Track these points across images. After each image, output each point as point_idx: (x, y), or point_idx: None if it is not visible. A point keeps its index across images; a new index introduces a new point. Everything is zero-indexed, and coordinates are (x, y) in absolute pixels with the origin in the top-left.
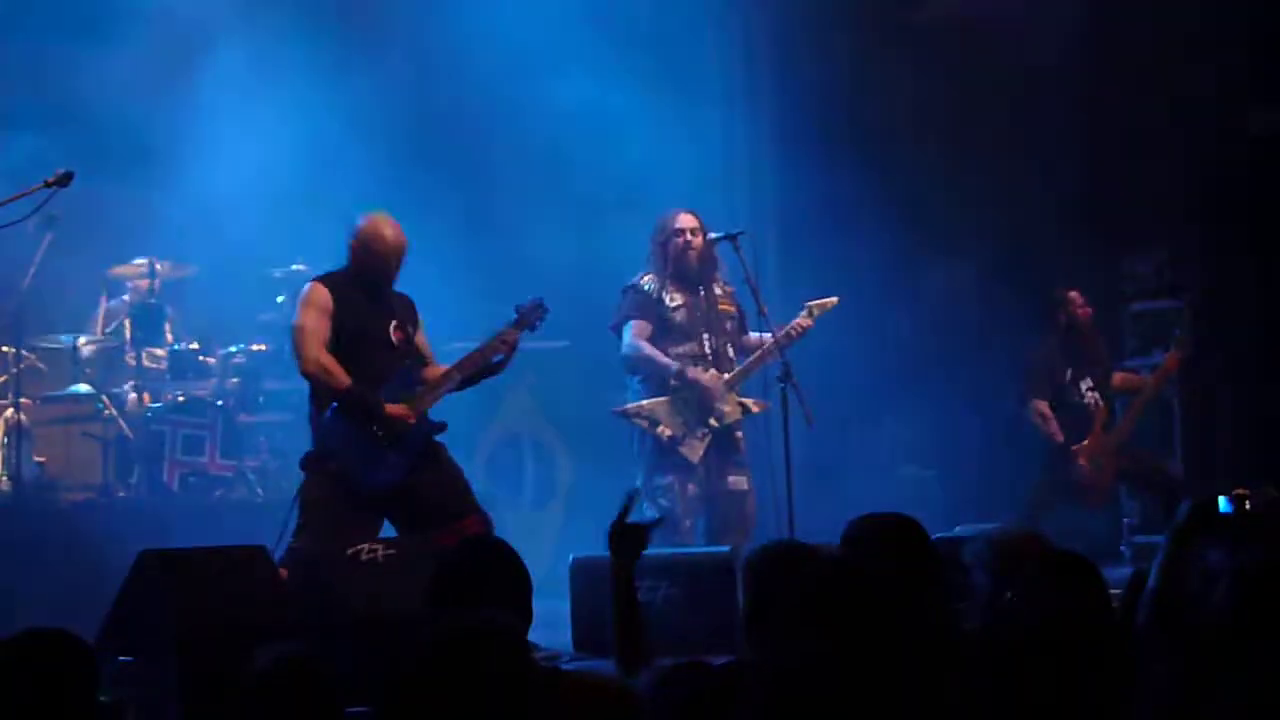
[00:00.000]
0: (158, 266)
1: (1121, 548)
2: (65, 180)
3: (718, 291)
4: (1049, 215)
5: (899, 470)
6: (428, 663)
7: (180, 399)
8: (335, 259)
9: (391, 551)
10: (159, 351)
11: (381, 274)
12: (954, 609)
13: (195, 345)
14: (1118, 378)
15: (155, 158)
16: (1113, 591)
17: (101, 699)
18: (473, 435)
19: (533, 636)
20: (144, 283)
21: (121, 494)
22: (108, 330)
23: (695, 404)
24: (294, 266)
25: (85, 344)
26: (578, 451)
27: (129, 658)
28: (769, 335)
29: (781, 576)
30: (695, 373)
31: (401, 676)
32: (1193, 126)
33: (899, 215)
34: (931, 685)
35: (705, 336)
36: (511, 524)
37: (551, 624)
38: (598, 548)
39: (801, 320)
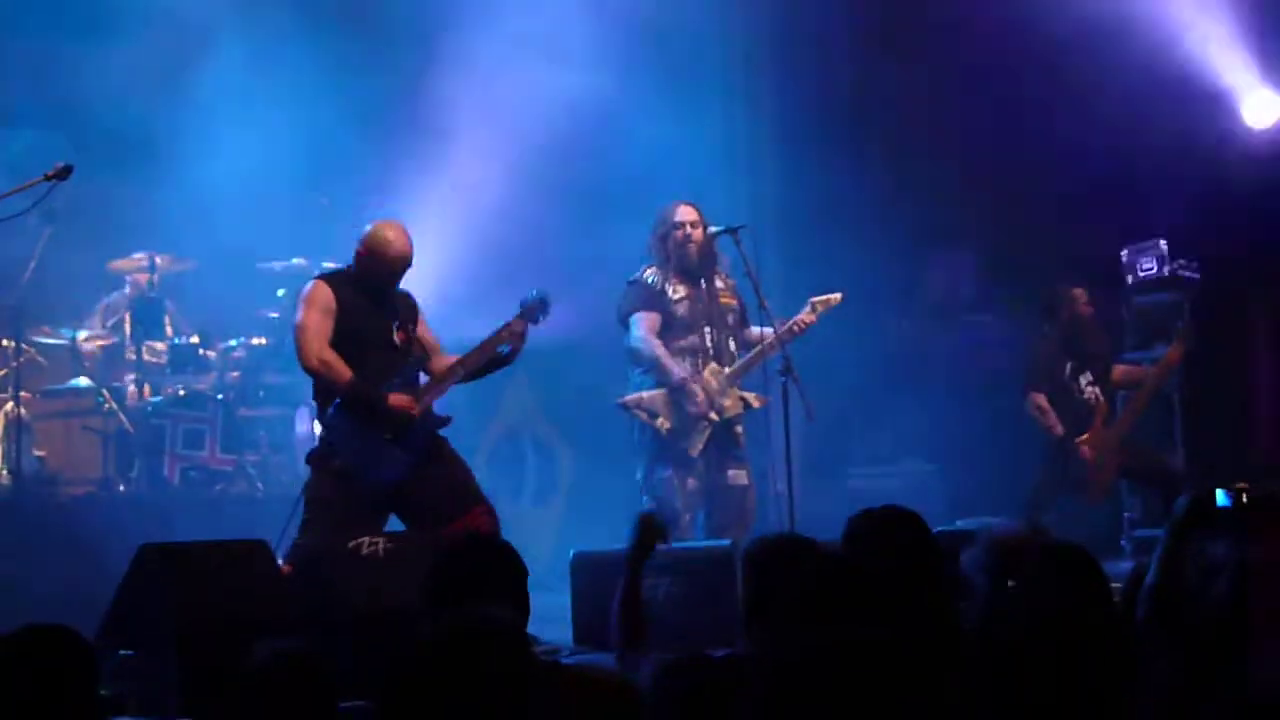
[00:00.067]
0: (158, 260)
1: (1122, 542)
2: (65, 174)
3: (719, 285)
4: (1050, 209)
5: (900, 464)
6: (428, 658)
7: (180, 393)
8: (336, 253)
9: (392, 545)
10: (159, 345)
11: (385, 280)
12: (955, 604)
13: (195, 339)
14: (1118, 371)
15: (155, 152)
16: (1113, 585)
17: (102, 693)
18: (474, 431)
19: (533, 631)
20: (144, 277)
21: (122, 488)
22: (108, 324)
23: (696, 401)
24: (294, 261)
25: (85, 338)
26: (578, 447)
27: (129, 652)
28: (770, 329)
29: (781, 570)
30: (693, 388)
31: (402, 672)
32: (1194, 120)
33: (900, 209)
34: (932, 680)
35: (707, 330)
36: (512, 519)
37: (552, 619)
38: (598, 543)
39: (804, 316)
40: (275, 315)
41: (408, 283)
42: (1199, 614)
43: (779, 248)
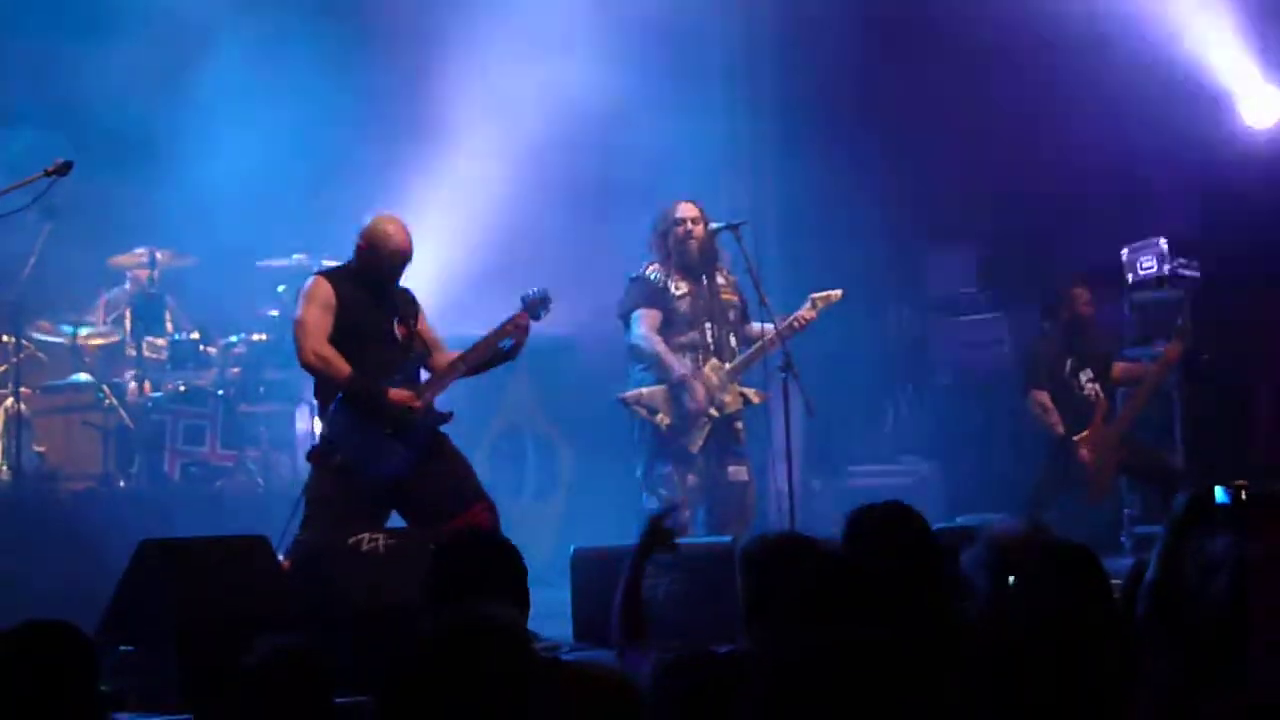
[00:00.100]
0: (158, 256)
1: (1122, 539)
2: (64, 170)
3: (720, 281)
4: (1051, 206)
5: (900, 461)
6: (428, 654)
7: (181, 389)
8: (336, 249)
9: (392, 541)
10: (159, 341)
11: (385, 274)
12: (955, 603)
13: (195, 335)
14: (1118, 369)
15: (156, 149)
16: (1114, 583)
17: (102, 689)
18: (474, 427)
19: (533, 627)
20: (144, 273)
21: (122, 484)
22: (108, 320)
23: (697, 397)
24: (294, 257)
25: (86, 334)
26: (579, 443)
27: (129, 648)
28: (770, 325)
29: (780, 569)
30: (693, 384)
31: (402, 668)
32: (1195, 117)
33: (901, 206)
34: (933, 679)
35: (708, 326)
36: (513, 515)
37: (552, 614)
38: (599, 539)
39: (805, 312)
40: (275, 312)
41: (409, 279)
42: (1199, 612)
43: (780, 244)
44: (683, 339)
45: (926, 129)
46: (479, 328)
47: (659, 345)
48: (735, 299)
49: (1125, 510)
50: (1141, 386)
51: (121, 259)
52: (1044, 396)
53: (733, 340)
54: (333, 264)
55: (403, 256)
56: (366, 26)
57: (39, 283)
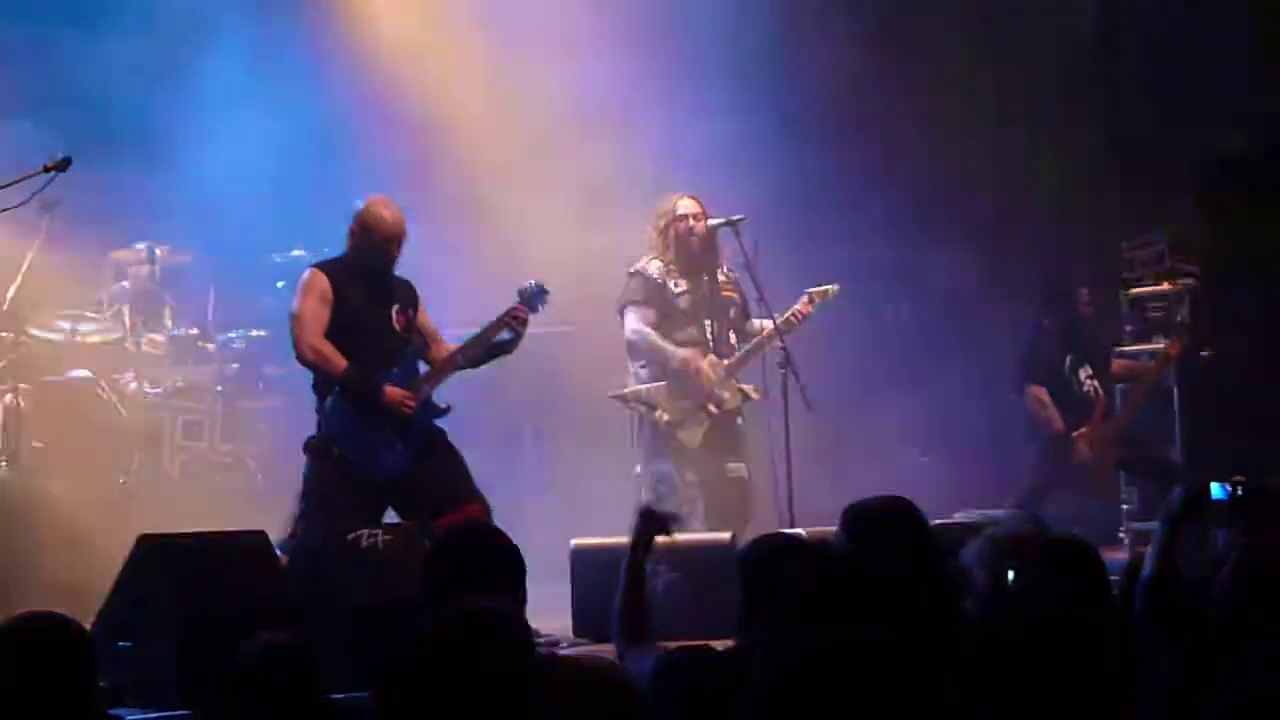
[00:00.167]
0: (158, 252)
1: (1120, 534)
2: (64, 165)
3: (720, 277)
4: (1050, 201)
5: (899, 456)
6: (428, 650)
7: (180, 384)
8: (336, 245)
9: (390, 537)
10: (159, 337)
11: (382, 258)
12: (955, 599)
13: (195, 331)
14: (1117, 365)
15: (155, 143)
16: (1112, 578)
17: (100, 685)
18: (473, 421)
19: (532, 622)
20: (144, 268)
21: (121, 479)
22: (107, 316)
23: (694, 390)
24: (294, 252)
25: (85, 330)
26: (578, 437)
27: (127, 643)
28: (769, 322)
29: (778, 572)
30: (696, 361)
31: (402, 664)
32: (1195, 111)
33: (900, 201)
34: (933, 677)
35: (707, 322)
36: (511, 510)
37: (551, 609)
38: (597, 534)
39: (801, 307)
40: (275, 307)
41: (409, 273)
42: (1198, 607)
43: (779, 241)
44: (682, 335)
45: (926, 125)
46: (479, 321)
47: (651, 335)
48: (735, 296)
49: (1124, 506)
50: (1140, 383)
51: (121, 255)
52: (1042, 393)
53: (732, 337)
54: (330, 255)
55: (397, 237)
56: (367, 20)
57: (38, 278)
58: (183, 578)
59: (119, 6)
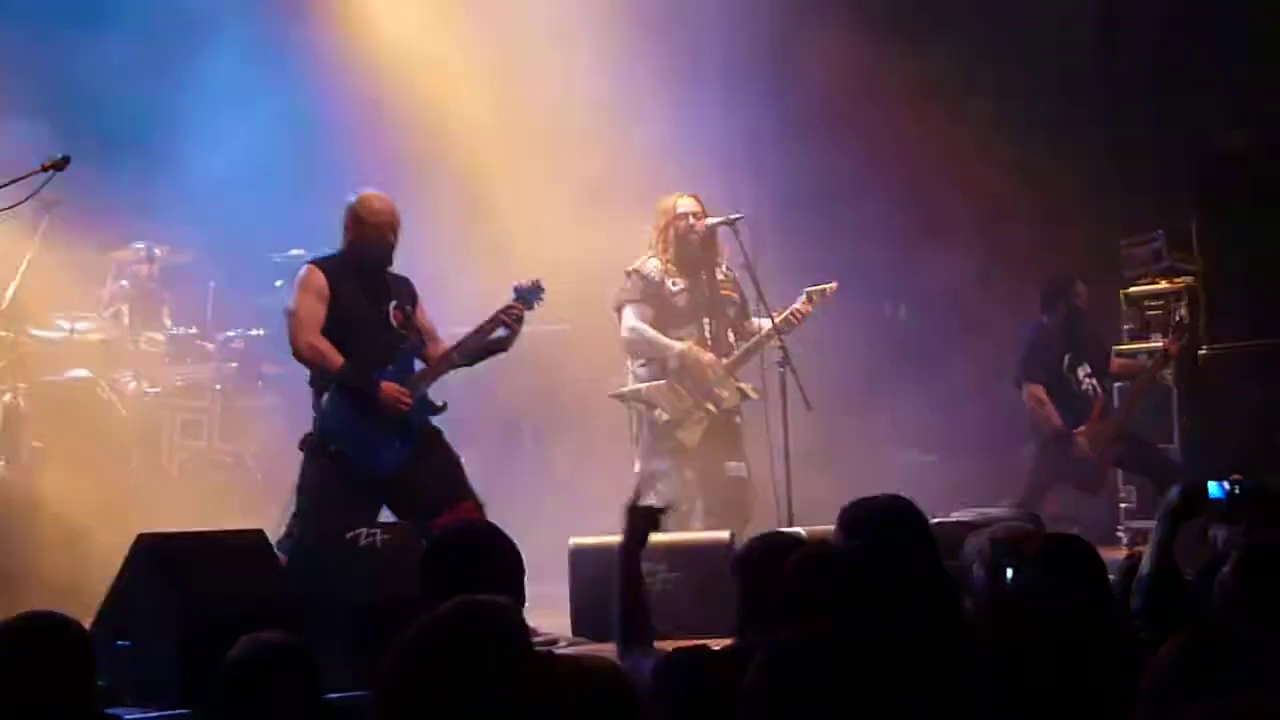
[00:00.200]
0: (156, 251)
1: (1119, 532)
2: (62, 164)
3: (719, 276)
4: (1049, 199)
5: (898, 454)
6: (427, 649)
7: (179, 383)
8: (334, 244)
9: (389, 536)
10: (158, 336)
11: (379, 249)
12: (953, 597)
13: (194, 330)
14: (1115, 364)
15: (154, 142)
16: (1111, 577)
17: (99, 684)
18: (472, 419)
19: (530, 621)
20: (143, 267)
21: (120, 478)
22: (106, 315)
23: (693, 388)
24: (292, 251)
25: (84, 329)
26: (577, 436)
27: (126, 642)
28: (768, 321)
29: (777, 571)
30: (697, 351)
31: (401, 662)
32: (1193, 109)
33: (898, 200)
34: (932, 676)
35: (706, 321)
36: (510, 508)
37: (550, 608)
38: (596, 532)
39: (800, 306)
40: (274, 306)
41: (408, 270)
42: (1200, 607)
43: (777, 239)
44: (680, 333)
45: (925, 122)
46: (477, 319)
47: (648, 332)
48: (734, 295)
49: (1122, 504)
50: (1138, 381)
51: (120, 254)
52: (1040, 391)
53: (731, 336)
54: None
55: (391, 225)
56: (366, 19)
57: (37, 278)
58: (182, 577)
59: (118, 6)
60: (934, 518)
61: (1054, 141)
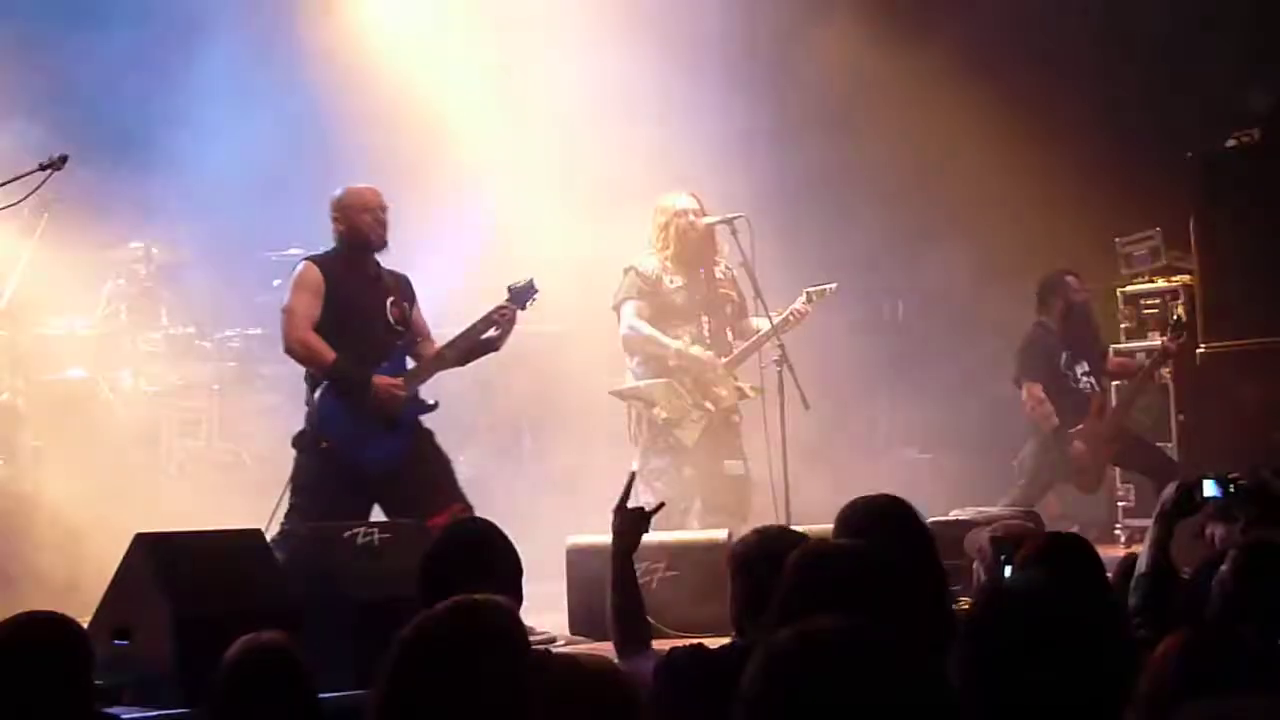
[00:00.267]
0: (154, 251)
1: (1117, 530)
2: (60, 163)
3: (718, 275)
4: (1046, 198)
5: (896, 453)
6: (425, 648)
7: (177, 382)
8: (332, 243)
9: (388, 535)
10: (156, 335)
11: (371, 238)
12: (951, 596)
13: (192, 329)
14: (1113, 362)
15: (152, 141)
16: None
17: (97, 683)
18: (472, 418)
19: (528, 619)
20: (140, 266)
21: (118, 477)
22: (104, 314)
23: (692, 387)
24: (290, 250)
25: (82, 327)
26: (576, 435)
27: (124, 641)
28: (766, 320)
29: (774, 568)
30: (695, 350)
31: (399, 661)
32: (1191, 107)
33: (896, 199)
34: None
35: (704, 319)
36: (508, 508)
37: (548, 607)
38: (595, 531)
39: (800, 306)
40: (271, 305)
41: (405, 268)
42: (1198, 605)
43: (776, 239)
44: (678, 331)
45: (923, 121)
46: (473, 318)
47: (646, 330)
48: (732, 293)
49: (1120, 503)
50: (1136, 380)
51: (118, 253)
52: (1037, 389)
53: (729, 334)
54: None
55: (376, 204)
56: (365, 18)
57: (35, 277)
58: (180, 576)
59: (116, 5)
60: (933, 516)
61: (1051, 140)
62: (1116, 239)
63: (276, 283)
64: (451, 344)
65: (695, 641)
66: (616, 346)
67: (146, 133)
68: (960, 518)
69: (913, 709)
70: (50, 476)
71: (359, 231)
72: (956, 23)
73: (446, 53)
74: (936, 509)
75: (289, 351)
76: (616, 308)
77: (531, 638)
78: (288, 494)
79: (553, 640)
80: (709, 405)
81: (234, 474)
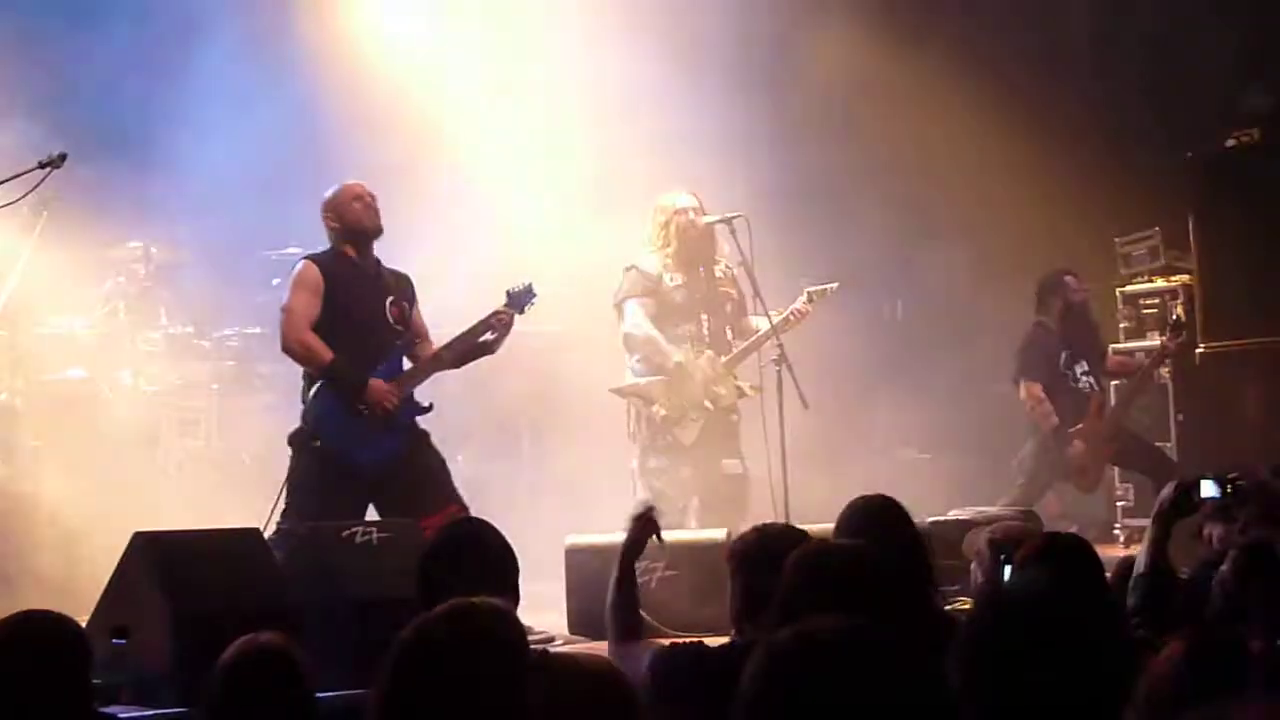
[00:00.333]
0: (153, 250)
1: (1116, 530)
2: (59, 162)
3: (718, 273)
4: (1045, 197)
5: (895, 453)
6: (424, 648)
7: (176, 382)
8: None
9: (386, 534)
10: (154, 334)
11: (365, 223)
12: (948, 596)
13: (190, 328)
14: (1112, 361)
15: (150, 140)
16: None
17: (95, 682)
18: (470, 419)
19: (526, 619)
20: (139, 266)
21: (117, 476)
22: (103, 313)
23: (691, 386)
24: (289, 250)
25: (81, 327)
26: (575, 435)
27: (122, 640)
28: (765, 319)
29: (773, 566)
30: (692, 365)
31: (398, 661)
32: (1191, 107)
33: (896, 199)
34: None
35: (704, 317)
36: (507, 507)
37: (547, 607)
38: (593, 531)
39: (801, 305)
40: (270, 305)
41: (406, 267)
42: (1196, 604)
43: (775, 238)
44: (678, 330)
45: (922, 121)
46: (471, 319)
47: (649, 332)
48: (732, 292)
49: (1119, 503)
50: (1135, 379)
51: (116, 252)
52: (1037, 389)
53: (729, 333)
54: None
55: (364, 193)
56: (364, 17)
57: (34, 276)
58: (178, 575)
59: (115, 4)
60: (931, 516)
61: (1051, 140)
62: (1116, 239)
63: (276, 282)
64: (448, 346)
65: (694, 639)
66: (615, 346)
67: (145, 132)
68: (959, 518)
69: (912, 709)
70: (49, 476)
71: (353, 220)
72: (956, 23)
73: (446, 53)
74: (936, 509)
75: (287, 351)
76: (618, 306)
77: (530, 637)
78: (284, 492)
79: (551, 640)
80: (708, 404)
81: (233, 473)
